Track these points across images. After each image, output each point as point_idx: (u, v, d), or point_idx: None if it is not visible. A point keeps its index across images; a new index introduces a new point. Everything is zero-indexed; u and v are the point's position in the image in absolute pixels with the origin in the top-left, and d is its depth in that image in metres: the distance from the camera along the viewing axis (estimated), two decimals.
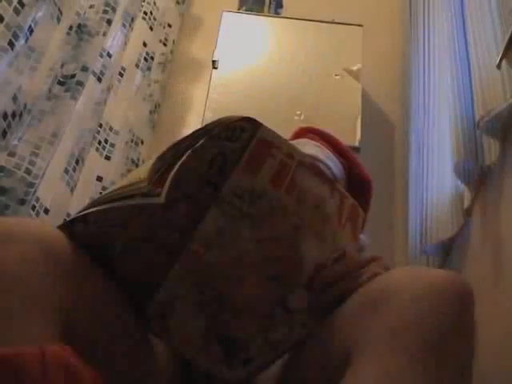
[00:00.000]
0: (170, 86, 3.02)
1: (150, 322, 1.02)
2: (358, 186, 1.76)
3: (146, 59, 2.72)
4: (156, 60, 2.86)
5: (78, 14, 2.11)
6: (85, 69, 2.01)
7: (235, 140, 0.98)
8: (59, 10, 1.90)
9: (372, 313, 0.96)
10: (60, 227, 0.98)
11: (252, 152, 0.99)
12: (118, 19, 2.31)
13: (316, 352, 1.06)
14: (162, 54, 2.94)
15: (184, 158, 0.96)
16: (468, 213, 1.91)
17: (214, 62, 2.71)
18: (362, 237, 1.37)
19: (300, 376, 1.09)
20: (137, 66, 2.61)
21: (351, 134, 2.51)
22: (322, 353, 1.04)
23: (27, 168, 1.77)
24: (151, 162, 0.99)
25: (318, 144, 1.75)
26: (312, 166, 1.07)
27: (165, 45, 2.97)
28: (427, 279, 0.95)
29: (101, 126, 2.30)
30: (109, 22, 2.20)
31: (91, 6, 2.19)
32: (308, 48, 2.82)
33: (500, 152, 1.71)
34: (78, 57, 2.02)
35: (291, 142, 1.83)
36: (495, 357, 1.55)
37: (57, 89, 1.93)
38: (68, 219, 0.99)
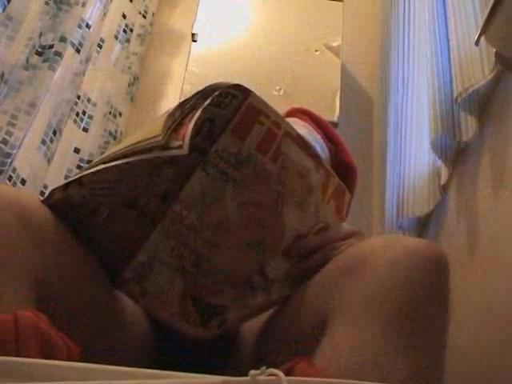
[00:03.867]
0: (149, 59, 3.00)
1: (127, 285, 1.03)
2: (343, 173, 1.78)
3: (125, 31, 2.70)
4: (135, 32, 2.84)
5: None
6: (63, 39, 1.99)
7: (225, 107, 0.99)
8: None
9: (347, 278, 0.97)
10: (54, 190, 0.98)
11: (241, 117, 1.00)
12: None
13: (293, 316, 1.07)
14: (142, 26, 2.91)
15: (198, 113, 0.97)
16: (445, 189, 1.93)
17: (193, 34, 2.70)
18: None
19: (277, 338, 1.11)
20: (116, 37, 2.59)
21: (330, 109, 2.52)
22: (299, 317, 1.05)
23: (4, 138, 1.76)
24: (159, 120, 0.99)
25: (307, 125, 1.74)
26: (299, 139, 1.08)
27: (144, 17, 2.94)
28: (402, 245, 0.97)
29: (79, 97, 2.29)
30: None
31: None
32: (288, 22, 2.81)
33: (477, 128, 1.72)
34: (57, 27, 2.00)
35: None
36: (469, 330, 1.58)
37: (34, 59, 1.91)
38: (65, 182, 1.00)
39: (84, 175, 0.98)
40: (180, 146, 0.96)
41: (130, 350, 1.12)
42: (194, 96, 1.01)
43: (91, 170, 0.98)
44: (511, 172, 1.50)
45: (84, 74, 2.21)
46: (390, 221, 2.19)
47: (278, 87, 2.62)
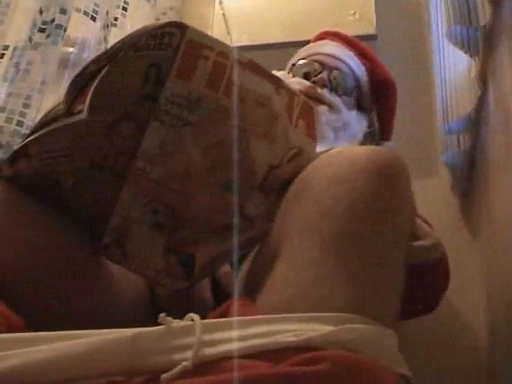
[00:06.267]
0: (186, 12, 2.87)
1: (108, 250, 1.01)
2: (381, 88, 1.76)
3: None
4: None
5: None
6: (63, 11, 1.96)
7: (165, 48, 0.94)
8: None
9: (294, 204, 0.92)
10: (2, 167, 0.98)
11: (182, 56, 0.95)
12: None
13: (259, 256, 1.04)
14: None
15: (103, 72, 0.94)
16: (482, 81, 1.77)
17: None
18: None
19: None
20: None
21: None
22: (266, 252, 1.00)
23: (18, 120, 1.78)
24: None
25: (339, 44, 1.75)
26: (251, 64, 1.01)
27: None
28: (345, 158, 0.90)
29: None
30: None
31: None
32: None
33: (492, 10, 1.55)
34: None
35: (312, 44, 1.80)
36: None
37: (37, 36, 1.90)
38: (9, 157, 1.00)
39: (29, 145, 0.98)
40: (81, 111, 0.93)
41: (125, 311, 1.11)
42: (111, 48, 0.98)
43: (29, 139, 0.98)
44: None
45: (106, 40, 2.18)
46: (442, 128, 2.05)
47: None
